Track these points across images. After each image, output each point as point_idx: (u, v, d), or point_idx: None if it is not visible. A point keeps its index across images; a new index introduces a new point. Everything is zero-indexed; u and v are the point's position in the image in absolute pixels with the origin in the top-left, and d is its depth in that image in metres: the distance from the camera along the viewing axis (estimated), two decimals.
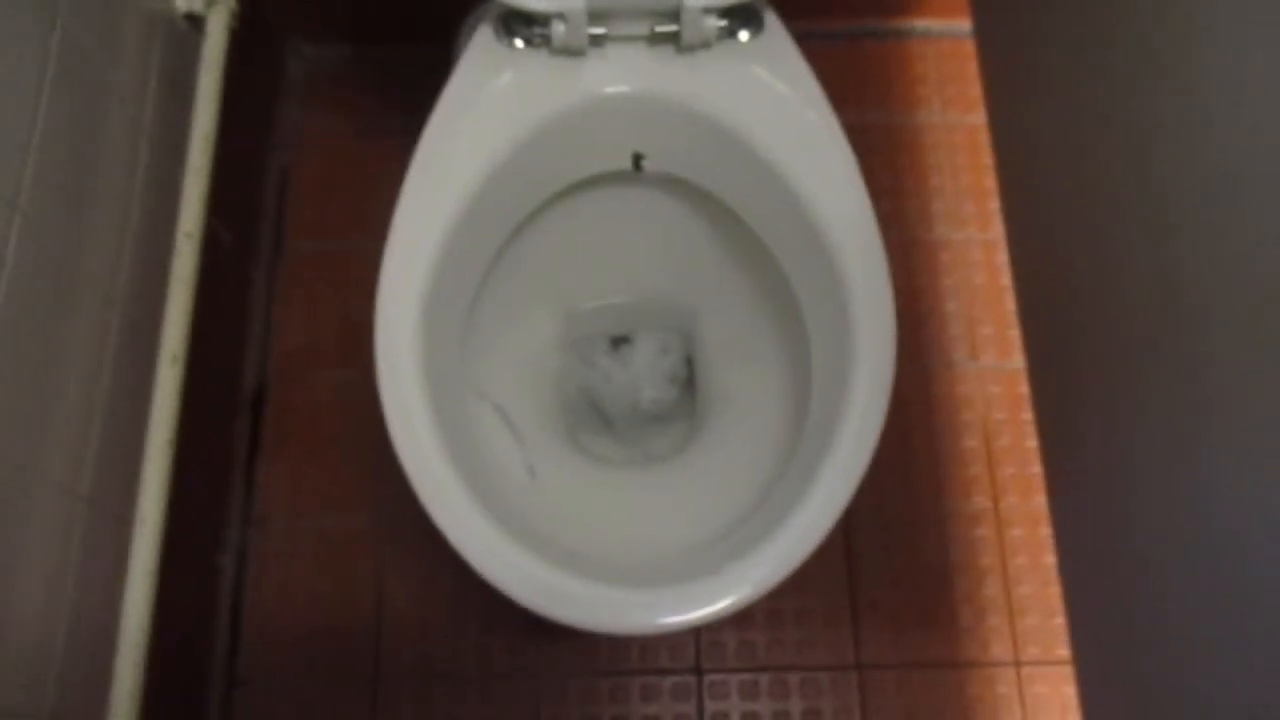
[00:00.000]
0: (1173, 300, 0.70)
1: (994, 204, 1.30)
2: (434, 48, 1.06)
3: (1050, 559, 1.16)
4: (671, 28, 0.83)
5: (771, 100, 0.85)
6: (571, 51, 0.84)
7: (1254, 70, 0.59)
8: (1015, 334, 1.24)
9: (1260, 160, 0.59)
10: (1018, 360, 1.23)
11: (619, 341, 1.13)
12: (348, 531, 1.16)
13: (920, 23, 1.36)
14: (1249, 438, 0.62)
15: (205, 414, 1.04)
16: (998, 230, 1.28)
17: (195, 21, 0.96)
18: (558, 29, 0.82)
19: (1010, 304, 1.26)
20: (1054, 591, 1.15)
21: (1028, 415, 1.21)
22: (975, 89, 1.33)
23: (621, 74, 0.85)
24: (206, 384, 1.03)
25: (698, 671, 1.12)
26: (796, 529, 0.71)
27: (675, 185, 0.94)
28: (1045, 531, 1.17)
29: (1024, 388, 1.22)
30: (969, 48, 1.34)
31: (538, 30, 0.83)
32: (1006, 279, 1.26)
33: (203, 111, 0.92)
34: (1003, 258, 1.27)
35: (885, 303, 0.79)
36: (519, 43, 0.85)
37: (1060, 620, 1.14)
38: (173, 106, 0.93)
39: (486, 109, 0.83)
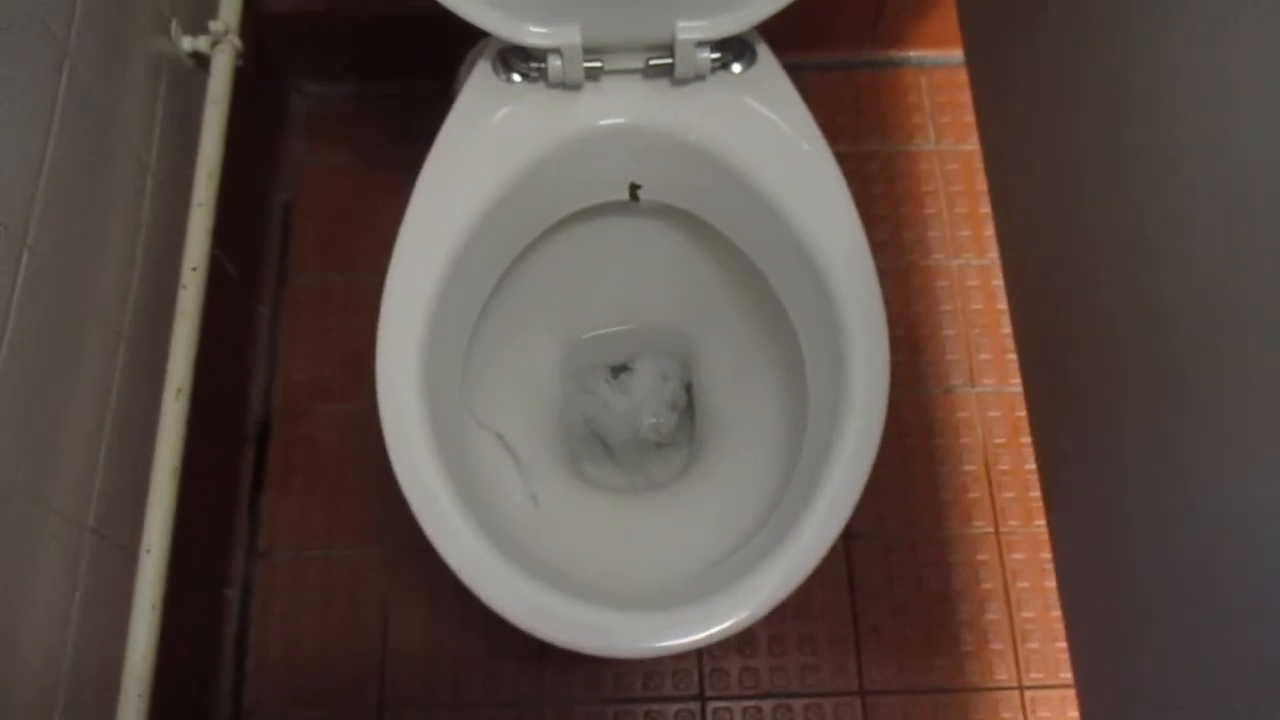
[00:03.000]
0: (1164, 322, 0.71)
1: (989, 230, 1.30)
2: (435, 84, 1.08)
3: (1053, 583, 1.16)
4: (665, 61, 0.84)
5: (765, 131, 0.86)
6: (568, 85, 0.86)
7: (1237, 93, 0.60)
8: (1013, 358, 1.25)
9: (1244, 181, 0.60)
10: (1016, 384, 1.23)
11: (618, 370, 1.14)
12: (353, 562, 1.16)
13: (913, 53, 1.38)
14: (1247, 455, 0.62)
15: (211, 446, 1.05)
16: (994, 255, 1.29)
17: (200, 60, 0.97)
18: (554, 64, 0.83)
19: (1008, 328, 1.26)
20: (1057, 615, 1.15)
21: (1027, 439, 1.21)
22: (969, 117, 1.35)
23: (617, 106, 0.86)
24: (212, 416, 1.04)
25: (701, 698, 1.12)
26: (794, 551, 0.72)
27: (672, 215, 0.95)
28: (1047, 555, 1.17)
29: (1023, 411, 1.22)
30: (962, 77, 1.36)
31: (535, 65, 0.85)
32: (1004, 303, 1.27)
33: (208, 148, 0.94)
34: (1000, 282, 1.27)
35: (879, 329, 0.80)
36: (517, 77, 0.86)
37: (1064, 644, 1.14)
38: (178, 143, 0.94)
39: (485, 142, 0.85)
